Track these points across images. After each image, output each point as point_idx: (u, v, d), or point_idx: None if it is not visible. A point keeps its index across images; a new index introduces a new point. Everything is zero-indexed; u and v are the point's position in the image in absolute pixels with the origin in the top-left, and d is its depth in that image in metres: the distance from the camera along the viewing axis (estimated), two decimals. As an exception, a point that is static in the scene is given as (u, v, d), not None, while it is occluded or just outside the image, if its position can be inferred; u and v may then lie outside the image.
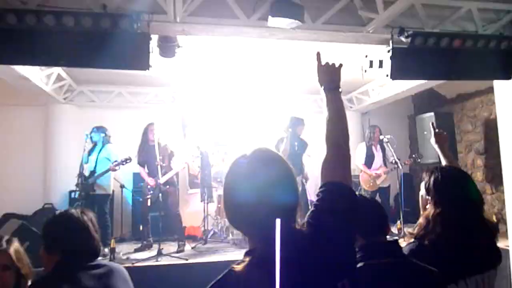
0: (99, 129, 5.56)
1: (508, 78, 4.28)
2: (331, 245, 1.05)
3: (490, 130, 6.15)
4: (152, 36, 3.52)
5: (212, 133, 7.84)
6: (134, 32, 3.34)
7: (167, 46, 3.94)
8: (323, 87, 1.42)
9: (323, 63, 1.47)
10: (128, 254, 5.31)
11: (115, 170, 5.42)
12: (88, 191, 5.30)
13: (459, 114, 7.26)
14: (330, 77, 1.44)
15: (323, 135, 1.31)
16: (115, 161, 5.39)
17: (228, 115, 7.99)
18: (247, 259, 1.05)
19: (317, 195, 1.17)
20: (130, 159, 5.37)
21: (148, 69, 3.36)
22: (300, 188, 5.52)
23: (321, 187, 1.19)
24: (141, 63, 3.38)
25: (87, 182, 5.26)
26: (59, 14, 3.16)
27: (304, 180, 6.13)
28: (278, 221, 0.93)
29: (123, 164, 5.36)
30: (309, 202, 5.76)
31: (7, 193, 6.53)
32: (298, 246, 1.03)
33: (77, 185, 5.34)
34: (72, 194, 6.28)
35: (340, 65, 1.49)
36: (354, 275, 1.14)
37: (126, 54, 3.38)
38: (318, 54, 1.49)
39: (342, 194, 1.14)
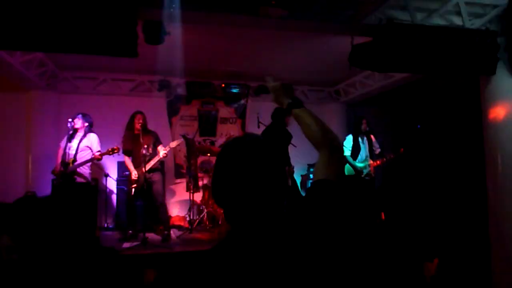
0: (84, 116, 5.43)
1: (493, 73, 4.35)
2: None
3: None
4: (138, 21, 3.46)
5: (198, 122, 7.79)
6: (120, 17, 3.27)
7: (154, 33, 3.86)
8: (288, 106, 1.45)
9: (273, 83, 1.51)
10: (112, 244, 5.27)
11: (99, 159, 5.33)
12: (68, 180, 5.19)
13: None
14: (291, 95, 1.48)
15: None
16: (98, 150, 5.31)
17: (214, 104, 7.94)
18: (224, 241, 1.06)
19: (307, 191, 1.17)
20: (118, 149, 5.28)
21: (136, 56, 3.30)
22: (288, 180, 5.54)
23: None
24: (128, 49, 3.31)
25: (65, 170, 5.15)
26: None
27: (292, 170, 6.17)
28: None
29: (110, 154, 5.27)
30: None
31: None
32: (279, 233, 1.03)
33: (55, 173, 5.25)
34: (55, 182, 6.17)
35: (291, 85, 1.55)
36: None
37: (112, 40, 3.31)
38: (266, 79, 1.58)
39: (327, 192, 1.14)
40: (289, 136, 5.57)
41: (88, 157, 5.29)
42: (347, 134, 6.71)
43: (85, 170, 5.34)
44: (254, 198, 1.05)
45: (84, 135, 5.37)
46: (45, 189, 6.44)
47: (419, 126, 7.46)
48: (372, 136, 6.53)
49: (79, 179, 5.27)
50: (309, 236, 1.02)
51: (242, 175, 1.06)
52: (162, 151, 5.44)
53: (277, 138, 5.43)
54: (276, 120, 5.60)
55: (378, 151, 6.48)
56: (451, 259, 4.07)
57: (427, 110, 7.59)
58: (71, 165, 5.17)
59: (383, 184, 6.20)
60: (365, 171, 6.33)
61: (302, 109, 1.40)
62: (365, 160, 6.41)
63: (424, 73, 5.38)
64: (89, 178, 5.42)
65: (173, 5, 3.38)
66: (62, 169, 5.16)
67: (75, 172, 5.22)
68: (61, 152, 5.27)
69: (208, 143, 7.85)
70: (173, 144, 5.75)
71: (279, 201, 1.09)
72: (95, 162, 5.56)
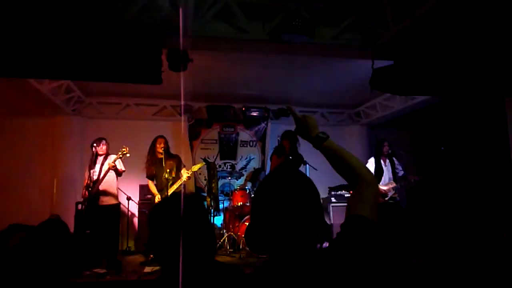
0: (107, 141, 5.56)
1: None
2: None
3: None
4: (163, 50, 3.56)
5: (219, 145, 7.84)
6: (145, 45, 3.37)
7: (178, 60, 3.95)
8: (316, 138, 1.41)
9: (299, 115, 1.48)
10: (134, 267, 5.26)
11: (114, 168, 5.36)
12: (93, 203, 5.27)
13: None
14: (314, 128, 1.44)
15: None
16: (123, 169, 5.43)
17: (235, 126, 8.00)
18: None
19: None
20: (126, 149, 5.36)
21: (160, 83, 3.37)
22: None
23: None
24: (153, 77, 3.39)
25: (91, 194, 5.24)
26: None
27: None
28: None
29: (121, 158, 5.35)
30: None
31: (15, 204, 6.54)
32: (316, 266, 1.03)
33: (83, 196, 5.33)
34: (79, 206, 6.27)
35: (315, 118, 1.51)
36: None
37: (137, 68, 3.40)
38: (289, 108, 1.53)
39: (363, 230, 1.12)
40: (302, 160, 5.48)
41: (113, 179, 5.39)
42: (369, 157, 6.63)
43: (112, 190, 5.45)
44: (292, 230, 1.06)
45: (105, 158, 5.48)
46: (69, 213, 6.55)
47: (442, 148, 7.31)
48: (394, 159, 6.42)
49: (106, 200, 5.34)
50: (345, 274, 1.00)
51: (281, 208, 1.07)
52: (185, 174, 5.48)
53: (294, 161, 5.35)
54: (290, 143, 5.44)
55: (401, 173, 6.34)
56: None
57: (451, 131, 7.45)
58: (94, 186, 5.26)
59: (408, 207, 6.05)
60: (389, 194, 6.21)
61: (330, 141, 1.38)
62: (388, 183, 6.29)
63: (446, 96, 5.32)
64: (117, 195, 5.52)
65: (197, 34, 3.47)
66: (86, 193, 5.25)
67: (100, 193, 5.29)
68: (86, 176, 5.37)
69: (229, 166, 7.88)
70: (195, 167, 5.79)
71: (315, 234, 1.09)
72: (118, 186, 5.64)
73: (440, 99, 6.43)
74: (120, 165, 5.53)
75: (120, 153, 5.38)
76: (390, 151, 6.37)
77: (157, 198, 5.52)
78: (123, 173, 5.59)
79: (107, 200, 5.41)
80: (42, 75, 4.13)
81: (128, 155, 5.46)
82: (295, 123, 1.48)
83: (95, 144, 5.44)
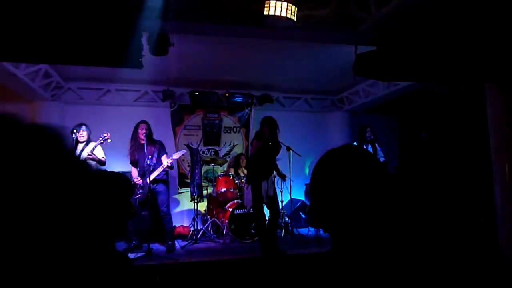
0: (87, 127, 5.45)
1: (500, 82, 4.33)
2: None
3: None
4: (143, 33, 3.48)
5: (202, 132, 7.79)
6: (125, 28, 3.28)
7: (159, 44, 3.88)
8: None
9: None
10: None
11: (92, 157, 5.28)
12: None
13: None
14: None
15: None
16: (103, 157, 5.37)
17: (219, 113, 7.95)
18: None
19: None
20: (107, 135, 5.31)
21: (140, 68, 3.31)
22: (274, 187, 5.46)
23: None
24: (133, 60, 3.32)
25: None
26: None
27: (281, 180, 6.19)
28: None
29: (101, 143, 5.28)
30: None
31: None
32: None
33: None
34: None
35: None
36: None
37: (117, 52, 3.32)
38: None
39: None
40: (280, 145, 5.48)
41: (92, 165, 5.29)
42: (351, 142, 6.69)
43: None
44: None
45: (86, 145, 5.38)
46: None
47: (424, 134, 7.42)
48: (376, 145, 6.50)
49: None
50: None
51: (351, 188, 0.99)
52: (165, 161, 5.43)
53: (274, 147, 5.35)
54: (269, 129, 5.39)
55: (382, 159, 6.43)
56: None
57: (432, 118, 7.56)
58: None
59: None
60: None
61: None
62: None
63: (428, 81, 5.37)
64: None
65: (178, 17, 3.40)
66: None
67: None
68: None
69: (212, 153, 7.85)
70: (177, 155, 5.76)
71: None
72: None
73: (422, 85, 6.50)
74: (101, 153, 5.43)
75: (101, 139, 5.29)
76: (372, 137, 6.44)
77: (136, 180, 5.45)
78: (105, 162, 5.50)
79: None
80: (17, 59, 4.00)
81: (109, 140, 5.37)
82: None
83: (75, 130, 5.33)
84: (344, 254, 0.99)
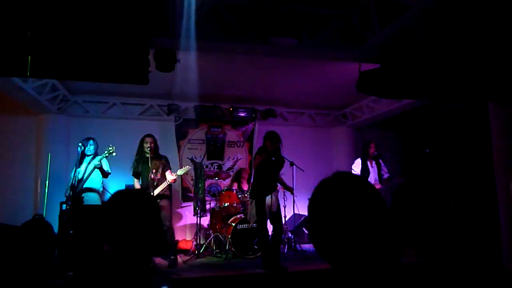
0: (94, 141, 5.51)
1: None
2: None
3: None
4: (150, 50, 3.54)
5: (206, 146, 7.83)
6: (132, 45, 3.35)
7: (166, 60, 3.94)
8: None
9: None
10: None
11: (100, 167, 5.31)
12: (78, 202, 5.20)
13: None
14: None
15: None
16: (99, 161, 5.39)
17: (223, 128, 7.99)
18: None
19: None
20: (112, 148, 5.33)
21: (147, 84, 3.36)
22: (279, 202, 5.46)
23: None
24: (140, 77, 3.37)
25: (75, 193, 5.18)
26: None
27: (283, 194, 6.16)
28: None
29: (106, 157, 5.31)
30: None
31: (-3, 203, 6.43)
32: None
33: (66, 196, 5.27)
34: (64, 206, 6.20)
35: None
36: None
37: (124, 68, 3.38)
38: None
39: None
40: (283, 160, 5.48)
41: (98, 179, 5.33)
42: (355, 158, 6.70)
43: (97, 190, 5.41)
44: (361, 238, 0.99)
45: (93, 158, 5.43)
46: (54, 212, 6.46)
47: (427, 150, 7.42)
48: (380, 161, 6.50)
49: (90, 200, 5.29)
50: None
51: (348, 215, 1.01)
52: (169, 177, 5.46)
53: (277, 162, 5.35)
54: (271, 143, 5.39)
55: (386, 176, 6.43)
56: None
57: (436, 134, 7.57)
58: (77, 185, 5.20)
59: (393, 208, 6.11)
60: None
61: None
62: (374, 184, 6.35)
63: (431, 100, 5.40)
64: (102, 194, 5.48)
65: (185, 34, 3.46)
66: (71, 192, 5.19)
67: (84, 193, 5.24)
68: (72, 176, 5.32)
69: (216, 167, 7.87)
70: (180, 171, 5.77)
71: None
72: (104, 187, 5.59)
73: (426, 102, 6.53)
74: (106, 166, 5.47)
75: (106, 152, 5.34)
76: (376, 153, 6.45)
77: None
78: (109, 176, 5.54)
79: (91, 200, 5.35)
80: (26, 74, 4.06)
81: (114, 154, 5.41)
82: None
83: (81, 144, 5.38)
84: (343, 277, 1.01)
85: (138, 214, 1.50)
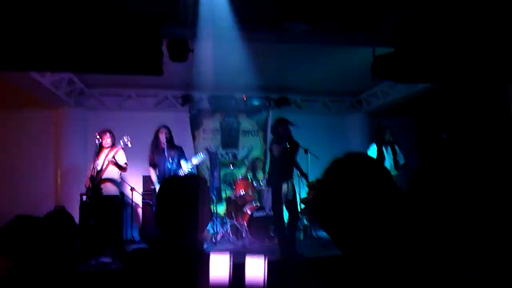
0: (111, 133, 5.58)
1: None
2: None
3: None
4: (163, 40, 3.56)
5: (221, 135, 7.87)
6: (146, 36, 3.37)
7: (179, 50, 3.95)
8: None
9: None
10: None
11: (114, 162, 5.39)
12: (97, 193, 5.30)
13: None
14: None
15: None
16: (125, 163, 5.46)
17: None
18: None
19: None
20: (128, 140, 5.42)
21: (161, 74, 3.38)
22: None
23: None
24: (153, 67, 3.40)
25: (94, 184, 5.27)
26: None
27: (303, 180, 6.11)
28: None
29: (122, 148, 5.41)
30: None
31: (19, 195, 6.61)
32: None
33: (86, 187, 5.37)
34: (84, 197, 6.34)
35: None
36: None
37: (138, 59, 3.41)
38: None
39: None
40: (297, 146, 5.46)
41: (115, 170, 5.41)
42: (370, 144, 6.64)
43: (115, 180, 5.48)
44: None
45: (111, 149, 5.51)
46: (74, 203, 6.62)
47: (445, 135, 7.30)
48: (396, 146, 6.42)
49: (108, 191, 5.36)
50: None
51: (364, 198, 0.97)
52: (185, 166, 5.52)
53: (292, 148, 5.34)
54: (282, 131, 5.40)
55: (402, 161, 6.36)
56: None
57: (453, 118, 7.43)
58: (97, 178, 5.28)
59: (409, 195, 6.06)
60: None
61: None
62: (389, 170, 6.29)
63: (447, 83, 5.29)
64: (120, 185, 5.56)
65: (197, 23, 3.46)
66: (90, 184, 5.29)
67: (102, 183, 5.32)
68: (91, 167, 5.41)
69: (231, 155, 7.91)
70: (196, 160, 5.82)
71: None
72: (122, 177, 5.68)
73: (442, 85, 6.40)
74: (123, 158, 5.54)
75: (122, 143, 5.41)
76: (391, 139, 6.37)
77: (158, 187, 5.54)
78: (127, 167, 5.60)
79: (110, 191, 5.44)
80: (43, 68, 4.14)
81: (130, 145, 5.48)
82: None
83: (98, 136, 5.47)
84: (353, 262, 0.99)
85: (191, 199, 1.54)
